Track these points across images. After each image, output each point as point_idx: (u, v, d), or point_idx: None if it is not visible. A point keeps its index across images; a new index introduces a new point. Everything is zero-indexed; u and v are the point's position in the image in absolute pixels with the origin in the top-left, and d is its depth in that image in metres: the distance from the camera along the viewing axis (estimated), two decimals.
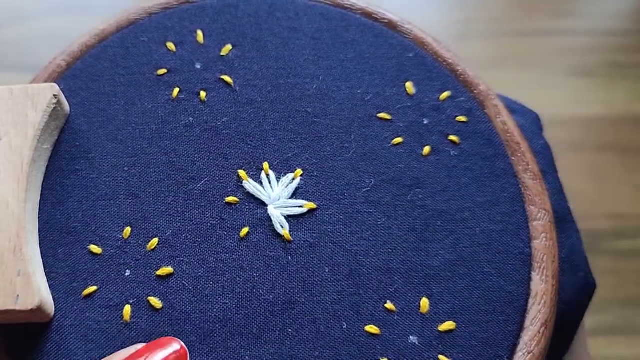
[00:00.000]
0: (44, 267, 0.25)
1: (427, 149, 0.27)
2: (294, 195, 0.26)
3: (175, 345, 0.23)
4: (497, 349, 0.24)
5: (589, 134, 0.63)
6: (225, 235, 0.25)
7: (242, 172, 0.26)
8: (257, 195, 0.26)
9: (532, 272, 0.25)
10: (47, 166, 0.26)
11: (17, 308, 0.23)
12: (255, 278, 0.24)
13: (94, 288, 0.24)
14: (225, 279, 0.24)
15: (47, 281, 0.24)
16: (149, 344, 0.23)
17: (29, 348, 0.24)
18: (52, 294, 0.24)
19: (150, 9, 0.30)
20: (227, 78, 0.28)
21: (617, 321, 0.57)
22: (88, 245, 0.25)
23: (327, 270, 0.25)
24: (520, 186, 0.26)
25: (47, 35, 0.59)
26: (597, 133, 0.63)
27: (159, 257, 0.25)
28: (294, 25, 0.29)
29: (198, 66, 0.28)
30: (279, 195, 0.25)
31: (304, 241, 0.25)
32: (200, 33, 0.29)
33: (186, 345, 0.24)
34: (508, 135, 0.28)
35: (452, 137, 0.27)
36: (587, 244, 0.28)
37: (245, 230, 0.25)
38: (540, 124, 0.31)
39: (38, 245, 0.25)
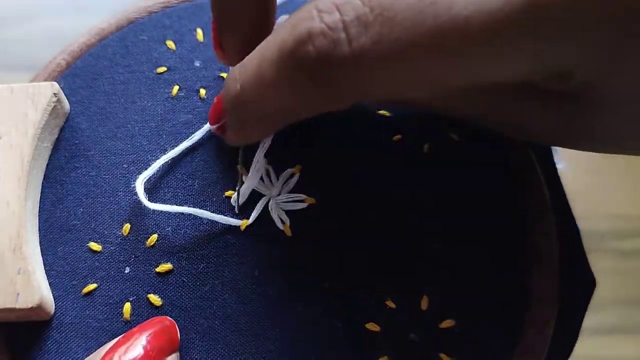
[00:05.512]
0: (44, 265, 0.25)
1: (427, 146, 0.27)
2: (294, 190, 0.26)
3: (164, 321, 0.23)
4: (498, 346, 0.24)
5: None
6: (225, 229, 0.25)
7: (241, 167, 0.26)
8: (257, 189, 0.26)
9: (533, 271, 0.25)
10: (47, 164, 0.27)
11: (18, 306, 0.23)
12: (256, 274, 0.24)
13: (94, 286, 0.24)
14: (225, 274, 0.24)
15: (47, 279, 0.24)
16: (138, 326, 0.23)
17: (29, 346, 0.24)
18: (52, 292, 0.24)
19: (149, 8, 0.30)
20: (226, 75, 0.28)
21: (617, 321, 0.57)
22: (88, 243, 0.25)
23: (327, 267, 0.24)
24: (519, 182, 0.26)
25: (47, 35, 0.59)
26: None
27: (159, 253, 0.25)
28: None
29: (197, 64, 0.28)
30: (279, 190, 0.25)
31: (304, 236, 0.25)
32: (199, 31, 0.29)
33: (186, 342, 0.24)
34: None
35: (452, 134, 0.27)
36: (587, 244, 0.28)
37: (244, 222, 0.25)
38: None
39: (38, 244, 0.25)
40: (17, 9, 0.61)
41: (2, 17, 0.60)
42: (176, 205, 0.25)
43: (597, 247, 0.58)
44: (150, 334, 0.22)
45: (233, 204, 0.25)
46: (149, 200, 0.25)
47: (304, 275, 0.24)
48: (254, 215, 0.25)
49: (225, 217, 0.25)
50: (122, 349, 0.21)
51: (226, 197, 0.26)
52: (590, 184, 0.61)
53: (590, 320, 0.28)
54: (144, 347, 0.21)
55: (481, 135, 0.27)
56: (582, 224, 0.28)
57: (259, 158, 0.25)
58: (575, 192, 0.29)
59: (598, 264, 0.28)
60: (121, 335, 0.22)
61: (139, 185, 0.25)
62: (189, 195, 0.26)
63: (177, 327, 0.23)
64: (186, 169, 0.26)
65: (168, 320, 0.23)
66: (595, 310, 0.28)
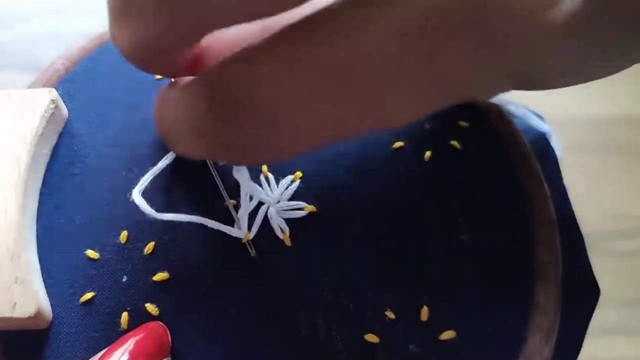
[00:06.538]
0: (42, 273, 0.24)
1: (428, 154, 0.26)
2: (294, 198, 0.26)
3: (154, 326, 0.23)
4: (499, 357, 0.24)
5: (589, 134, 0.63)
6: (222, 237, 0.25)
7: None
8: (256, 197, 0.25)
9: (535, 280, 0.25)
10: (46, 170, 0.26)
11: (15, 315, 0.22)
12: (254, 282, 0.24)
13: (91, 294, 0.24)
14: (222, 283, 0.24)
15: (45, 287, 0.24)
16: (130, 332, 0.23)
17: (26, 355, 0.23)
18: (49, 301, 0.24)
19: None
20: None
21: (617, 321, 0.57)
22: (85, 250, 0.25)
23: (326, 277, 0.24)
24: (523, 192, 0.26)
25: (47, 36, 0.58)
26: (598, 134, 0.63)
27: (156, 261, 0.25)
28: None
29: None
30: (278, 197, 0.25)
31: (304, 245, 0.25)
32: None
33: (183, 352, 0.23)
34: (511, 140, 0.27)
35: (454, 142, 0.27)
36: (587, 245, 0.28)
37: (247, 235, 0.25)
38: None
39: (36, 252, 0.25)
40: (17, 9, 0.60)
41: (2, 17, 0.60)
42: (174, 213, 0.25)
43: (597, 247, 0.58)
44: (138, 339, 0.22)
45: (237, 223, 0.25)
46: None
47: (302, 285, 0.24)
48: (255, 227, 0.25)
49: (230, 228, 0.25)
50: (111, 357, 0.21)
51: (225, 205, 0.25)
52: (591, 184, 0.61)
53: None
54: (132, 352, 0.21)
55: (484, 143, 0.27)
56: (582, 224, 0.28)
57: (243, 183, 0.25)
58: (576, 193, 0.29)
59: (598, 264, 0.28)
60: (113, 344, 0.22)
61: (137, 197, 0.24)
62: (190, 205, 0.25)
63: (168, 332, 0.23)
64: (187, 178, 0.26)
65: (158, 324, 0.23)
66: (595, 311, 0.28)
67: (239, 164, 0.25)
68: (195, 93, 0.19)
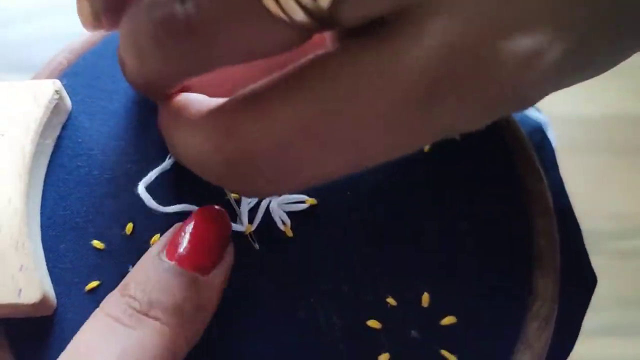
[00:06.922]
0: (47, 262, 0.25)
1: (427, 146, 0.27)
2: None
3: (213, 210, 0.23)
4: (499, 343, 0.24)
5: (587, 133, 0.63)
6: None
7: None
8: None
9: (534, 268, 0.25)
10: (50, 162, 0.27)
11: (20, 302, 0.23)
12: (257, 273, 0.24)
13: (96, 283, 0.24)
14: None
15: (50, 276, 0.24)
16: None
17: (31, 342, 0.24)
18: (54, 289, 0.24)
19: None
20: None
21: (617, 321, 0.57)
22: (91, 241, 0.25)
23: (328, 266, 0.25)
24: (521, 184, 0.26)
25: (47, 35, 0.59)
26: (596, 133, 0.63)
27: None
28: None
29: None
30: None
31: (305, 237, 0.25)
32: None
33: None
34: (509, 131, 0.28)
35: None
36: (587, 244, 0.28)
37: (248, 227, 0.25)
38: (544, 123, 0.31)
39: (40, 240, 0.25)
40: (17, 9, 0.61)
41: (4, 18, 0.60)
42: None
43: (597, 247, 0.58)
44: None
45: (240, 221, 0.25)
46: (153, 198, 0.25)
47: (305, 274, 0.25)
48: (257, 220, 0.25)
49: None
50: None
51: (227, 199, 0.25)
52: (591, 184, 0.61)
53: (590, 320, 0.28)
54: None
55: (483, 135, 0.27)
56: (582, 223, 0.28)
57: None
58: (575, 192, 0.29)
59: (598, 264, 0.28)
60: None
61: (142, 191, 0.25)
62: (194, 198, 0.26)
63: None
64: (190, 172, 0.26)
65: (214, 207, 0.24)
66: (595, 310, 0.28)
67: (247, 195, 0.25)
68: (203, 133, 0.19)
